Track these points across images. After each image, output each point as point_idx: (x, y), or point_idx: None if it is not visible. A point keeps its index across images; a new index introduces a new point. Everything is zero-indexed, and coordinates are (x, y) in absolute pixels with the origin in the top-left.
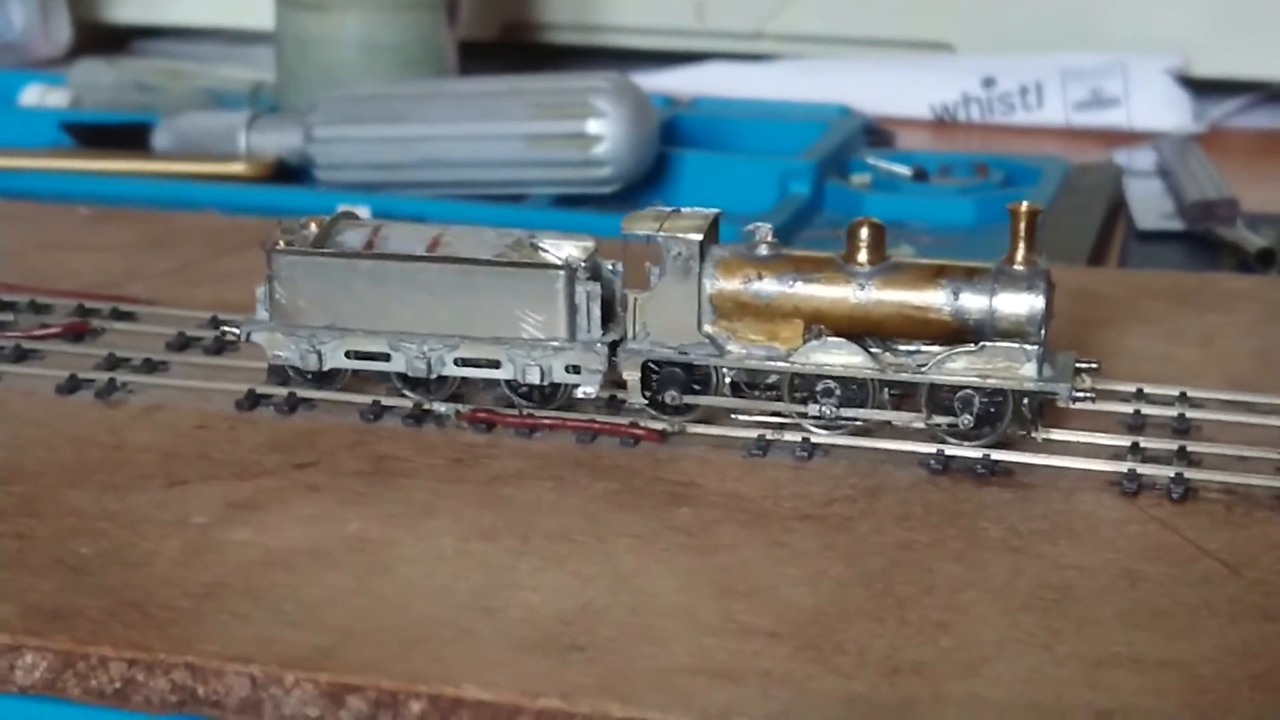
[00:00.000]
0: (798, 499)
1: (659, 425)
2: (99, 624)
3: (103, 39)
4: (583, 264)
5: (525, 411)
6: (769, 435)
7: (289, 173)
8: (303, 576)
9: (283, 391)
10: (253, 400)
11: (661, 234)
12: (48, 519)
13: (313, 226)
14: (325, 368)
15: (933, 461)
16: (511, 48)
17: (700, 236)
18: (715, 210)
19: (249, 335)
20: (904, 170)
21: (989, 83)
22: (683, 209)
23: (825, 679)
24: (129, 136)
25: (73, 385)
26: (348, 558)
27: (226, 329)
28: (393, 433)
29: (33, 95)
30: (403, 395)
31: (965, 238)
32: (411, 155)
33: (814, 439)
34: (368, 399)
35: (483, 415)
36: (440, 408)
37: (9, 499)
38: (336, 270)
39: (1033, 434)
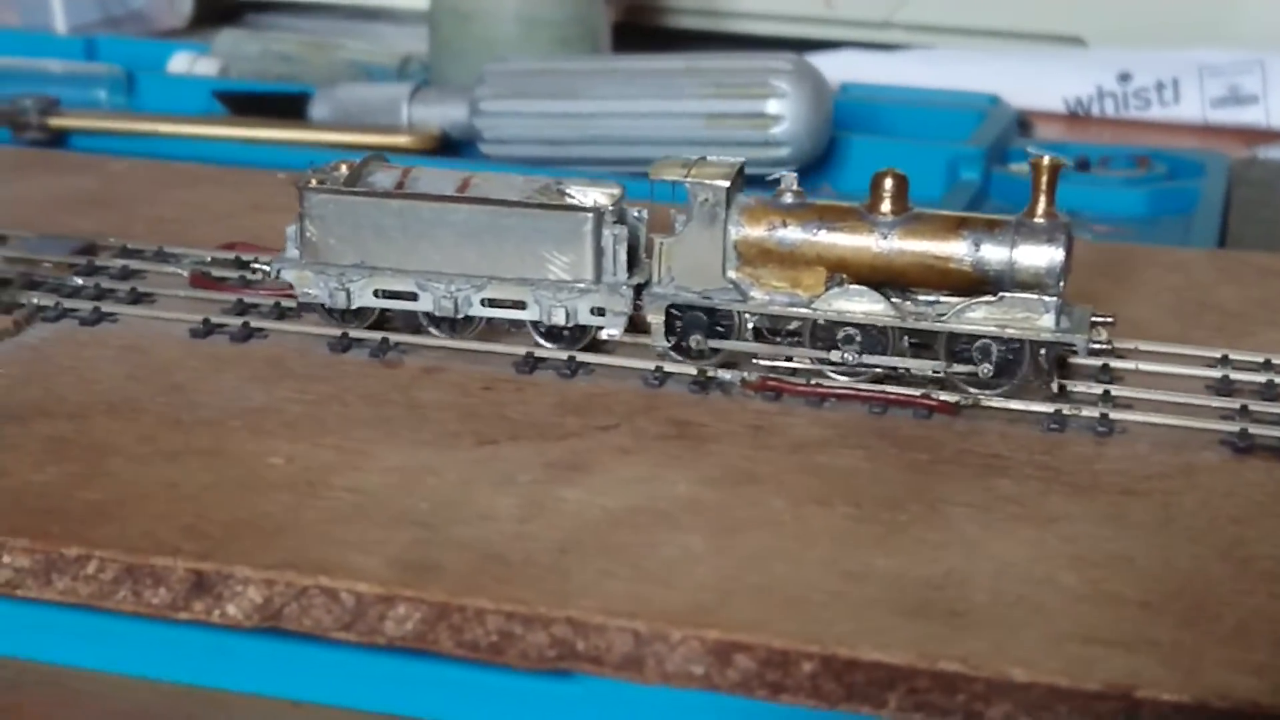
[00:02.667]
0: (1114, 474)
1: (953, 398)
2: (468, 577)
3: (218, 12)
4: (610, 209)
5: (814, 381)
6: (1066, 411)
7: (451, 146)
8: (652, 536)
9: (562, 355)
10: (532, 363)
11: (689, 180)
12: (371, 474)
13: (344, 168)
14: (353, 306)
15: (1237, 440)
16: (635, 30)
17: (727, 183)
18: (741, 159)
19: (279, 272)
20: (1066, 161)
21: (1124, 77)
22: (709, 156)
23: (1218, 651)
24: (284, 106)
25: (345, 344)
26: (689, 519)
27: (256, 265)
28: (679, 398)
29: (181, 63)
30: (670, 359)
31: (1141, 228)
32: (582, 131)
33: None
34: (650, 364)
35: (772, 383)
36: (726, 375)
37: (327, 453)
38: (367, 210)
39: (1050, 385)
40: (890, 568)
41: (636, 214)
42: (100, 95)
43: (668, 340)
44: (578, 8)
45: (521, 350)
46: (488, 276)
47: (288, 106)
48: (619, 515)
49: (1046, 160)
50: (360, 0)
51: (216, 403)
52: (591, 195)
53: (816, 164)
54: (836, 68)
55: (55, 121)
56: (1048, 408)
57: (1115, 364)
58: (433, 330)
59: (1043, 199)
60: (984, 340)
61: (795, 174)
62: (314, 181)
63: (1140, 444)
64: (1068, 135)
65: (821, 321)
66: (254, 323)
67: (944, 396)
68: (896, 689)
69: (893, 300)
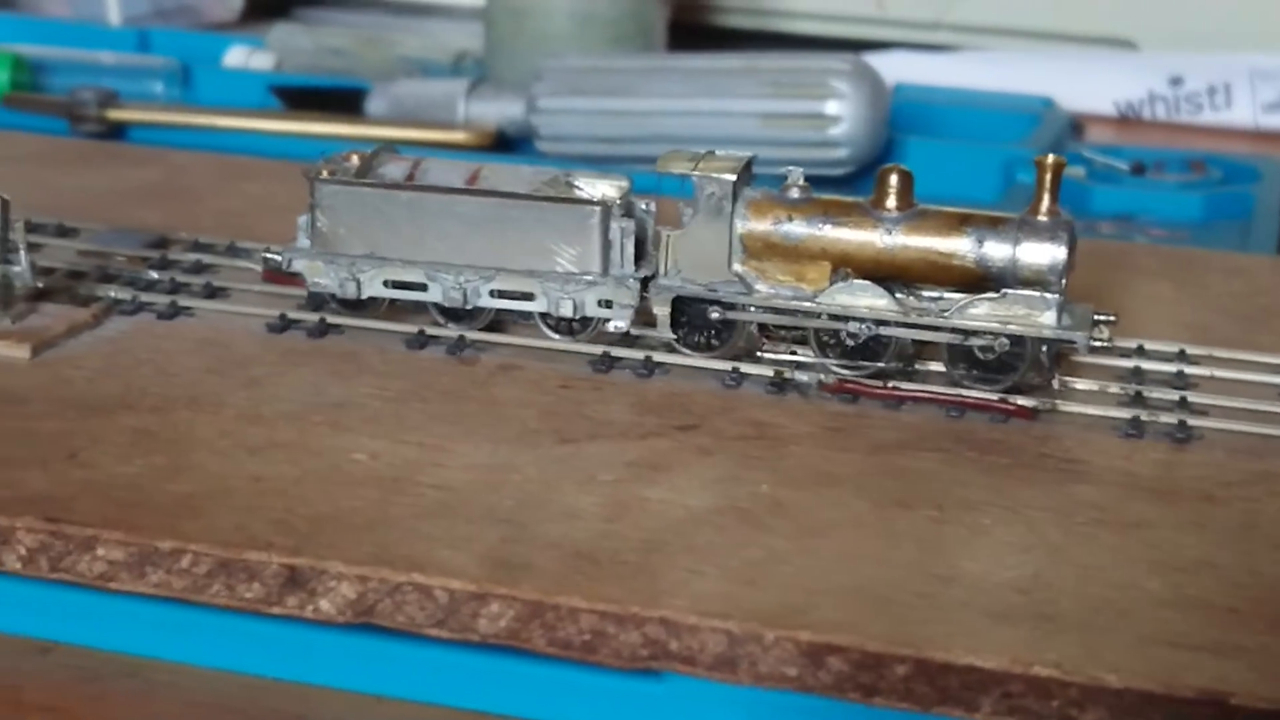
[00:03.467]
0: (1194, 480)
1: (1030, 403)
2: (559, 575)
3: (267, 6)
4: (618, 201)
5: (891, 385)
6: (1143, 417)
7: (508, 142)
8: (737, 536)
9: (639, 355)
10: (608, 363)
11: (696, 174)
12: (455, 470)
13: (355, 159)
14: (363, 296)
15: None
16: (685, 29)
17: (734, 177)
18: (749, 154)
19: (290, 262)
20: (1121, 164)
21: (1176, 81)
22: (716, 151)
23: None
24: (340, 101)
25: (421, 341)
26: (773, 520)
27: (269, 255)
28: (756, 399)
29: (236, 57)
30: (678, 352)
31: (1197, 232)
32: (639, 129)
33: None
34: (727, 365)
35: (849, 386)
36: (802, 377)
37: (410, 449)
38: (377, 201)
39: (1050, 382)
40: (976, 571)
41: (644, 207)
42: (157, 88)
43: (674, 332)
44: (633, 5)
45: (598, 350)
46: (496, 268)
47: (344, 101)
48: (703, 515)
49: (1050, 159)
50: None
51: (297, 397)
52: (600, 188)
53: (873, 165)
54: (888, 68)
55: (113, 114)
56: (1125, 413)
57: (1189, 370)
58: (442, 321)
59: (1046, 197)
60: (986, 336)
61: (801, 169)
62: (324, 172)
63: (1217, 451)
64: (1119, 138)
65: (825, 316)
66: (330, 319)
67: (1022, 401)
68: (990, 693)
69: (896, 295)
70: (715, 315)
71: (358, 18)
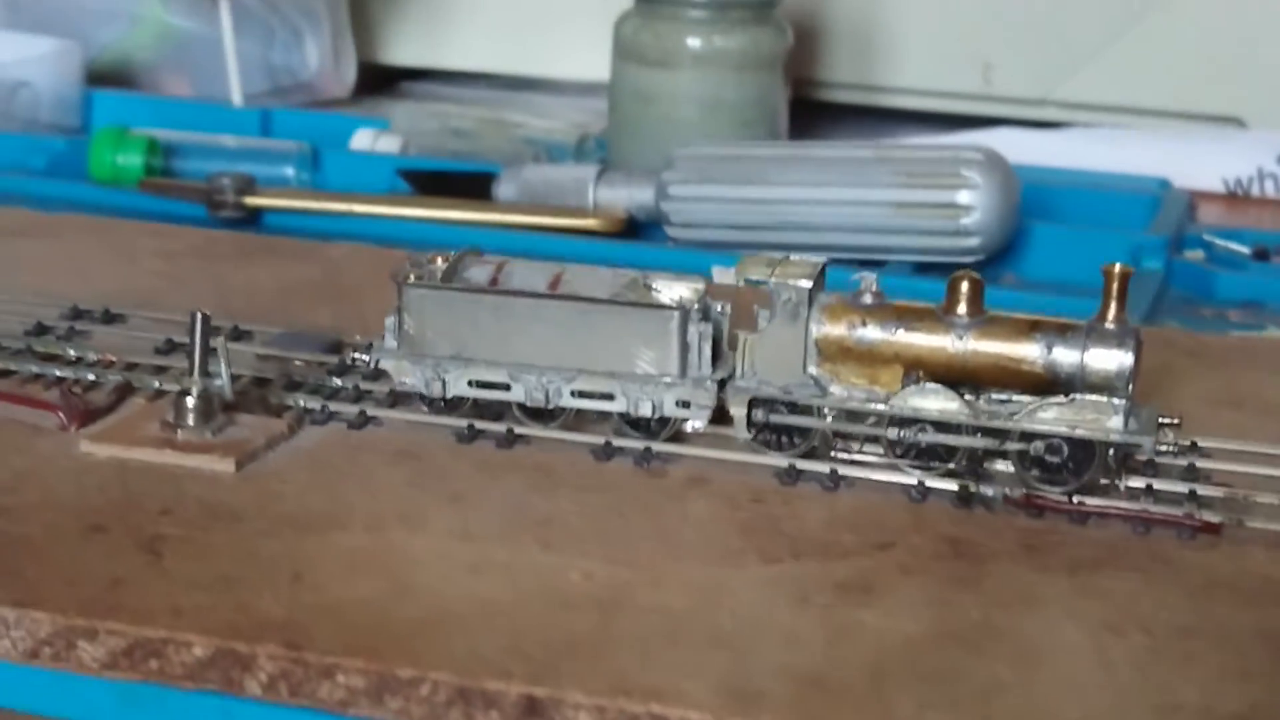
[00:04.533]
0: None
1: (1216, 518)
2: (792, 705)
3: (373, 81)
4: (695, 305)
5: (1077, 500)
6: None
7: (636, 228)
8: (958, 663)
9: (824, 468)
10: (795, 475)
11: (774, 280)
12: (669, 592)
13: (439, 261)
14: (448, 395)
15: None
16: (793, 105)
17: (810, 284)
18: (823, 259)
19: (378, 362)
20: (1242, 248)
21: None
22: (792, 256)
23: None
24: (469, 185)
25: (609, 452)
26: (990, 645)
27: (356, 355)
28: (945, 514)
29: (363, 140)
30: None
31: None
32: (771, 217)
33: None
34: (911, 480)
35: (1037, 501)
36: (989, 491)
37: (621, 570)
38: (463, 304)
39: (1116, 483)
40: (1199, 701)
41: (720, 309)
42: (287, 171)
43: (749, 432)
44: (759, 90)
45: (784, 463)
46: (577, 369)
47: (473, 186)
48: (920, 641)
49: (1117, 269)
50: (521, 71)
51: (501, 513)
52: (677, 290)
53: (1004, 251)
54: (996, 145)
55: (252, 200)
56: None
57: None
58: (523, 419)
59: (1113, 304)
60: (1054, 439)
61: (874, 275)
62: (411, 276)
63: None
64: (1228, 216)
65: (898, 418)
66: (517, 429)
67: (1208, 516)
68: None
69: (967, 399)
70: (791, 417)
71: (468, 92)
